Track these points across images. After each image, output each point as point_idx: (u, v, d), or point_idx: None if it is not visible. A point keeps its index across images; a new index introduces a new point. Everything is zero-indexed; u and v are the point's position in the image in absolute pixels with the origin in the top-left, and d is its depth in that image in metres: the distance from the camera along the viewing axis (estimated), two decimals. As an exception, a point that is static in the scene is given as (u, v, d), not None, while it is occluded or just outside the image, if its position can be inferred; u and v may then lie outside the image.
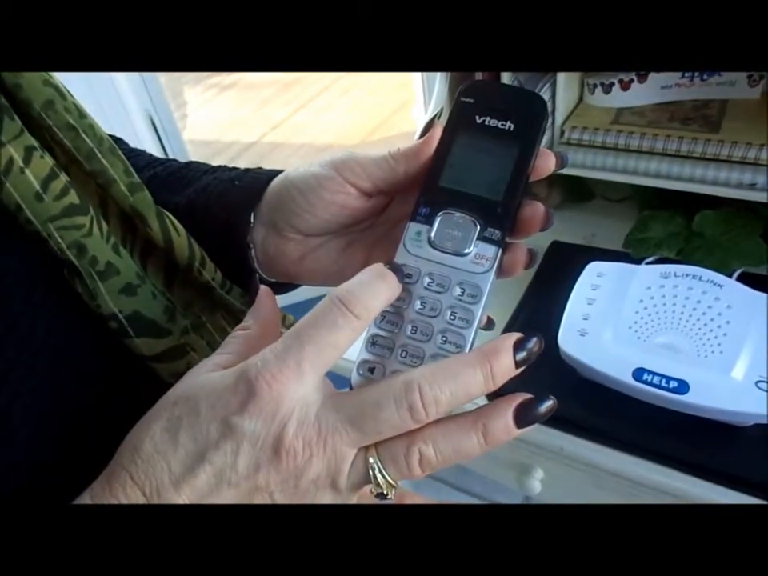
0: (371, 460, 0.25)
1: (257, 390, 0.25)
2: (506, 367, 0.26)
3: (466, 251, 0.31)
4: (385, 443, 0.26)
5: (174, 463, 0.25)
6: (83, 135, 0.32)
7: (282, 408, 0.25)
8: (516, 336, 0.27)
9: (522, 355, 0.26)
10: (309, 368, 0.25)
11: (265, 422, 0.25)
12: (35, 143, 0.30)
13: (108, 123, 1.24)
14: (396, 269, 0.29)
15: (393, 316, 0.31)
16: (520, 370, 0.27)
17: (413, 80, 1.30)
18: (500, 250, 0.31)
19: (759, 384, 0.54)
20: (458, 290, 0.30)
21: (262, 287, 0.32)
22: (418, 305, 0.30)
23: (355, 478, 0.26)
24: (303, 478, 0.25)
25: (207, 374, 0.27)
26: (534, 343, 0.27)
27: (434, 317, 0.30)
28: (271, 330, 0.31)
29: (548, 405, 0.27)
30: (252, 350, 0.27)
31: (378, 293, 0.28)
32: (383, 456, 0.25)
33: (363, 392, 0.26)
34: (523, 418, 0.26)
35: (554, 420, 0.63)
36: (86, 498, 0.26)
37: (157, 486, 0.25)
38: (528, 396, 0.27)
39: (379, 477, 0.25)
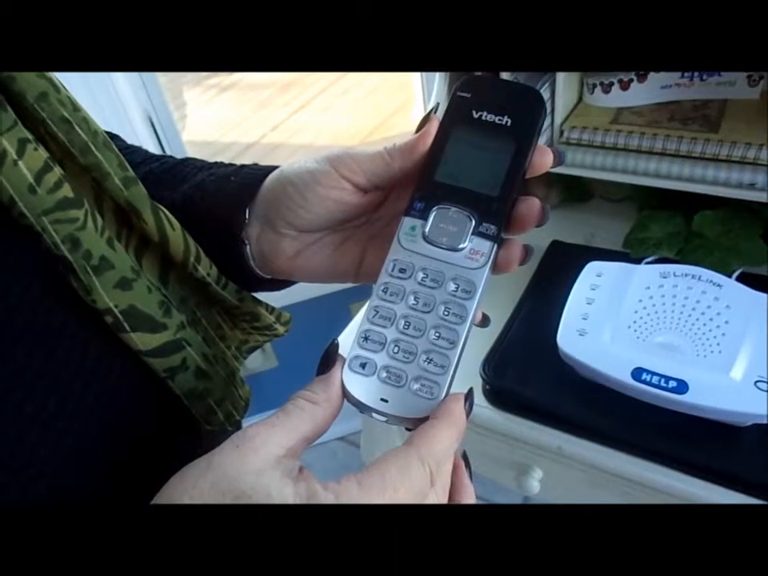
0: None
1: None
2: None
3: (461, 246, 0.30)
4: None
5: None
6: (77, 128, 0.32)
7: None
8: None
9: (467, 409, 0.30)
10: None
11: None
12: (29, 136, 0.30)
13: (107, 123, 1.24)
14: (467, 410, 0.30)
15: (386, 311, 0.30)
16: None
17: (412, 81, 1.30)
18: (495, 246, 0.30)
19: (758, 384, 0.54)
20: (452, 286, 0.30)
21: (341, 356, 0.30)
22: (411, 300, 0.30)
23: None
24: None
25: (270, 474, 0.25)
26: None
27: (428, 312, 0.30)
28: (337, 407, 0.29)
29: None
30: (316, 431, 0.28)
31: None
32: None
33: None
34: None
35: (553, 420, 0.63)
36: None
37: None
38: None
39: None
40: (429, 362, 0.29)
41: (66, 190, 0.31)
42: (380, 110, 2.42)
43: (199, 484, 0.25)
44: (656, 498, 0.60)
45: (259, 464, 0.25)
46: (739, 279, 0.65)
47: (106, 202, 0.35)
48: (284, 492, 0.25)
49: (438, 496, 0.27)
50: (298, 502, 0.24)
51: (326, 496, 0.25)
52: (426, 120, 0.33)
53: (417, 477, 0.26)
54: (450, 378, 0.29)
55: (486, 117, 0.32)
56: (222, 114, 2.59)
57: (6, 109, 0.29)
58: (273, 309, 0.45)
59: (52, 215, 0.30)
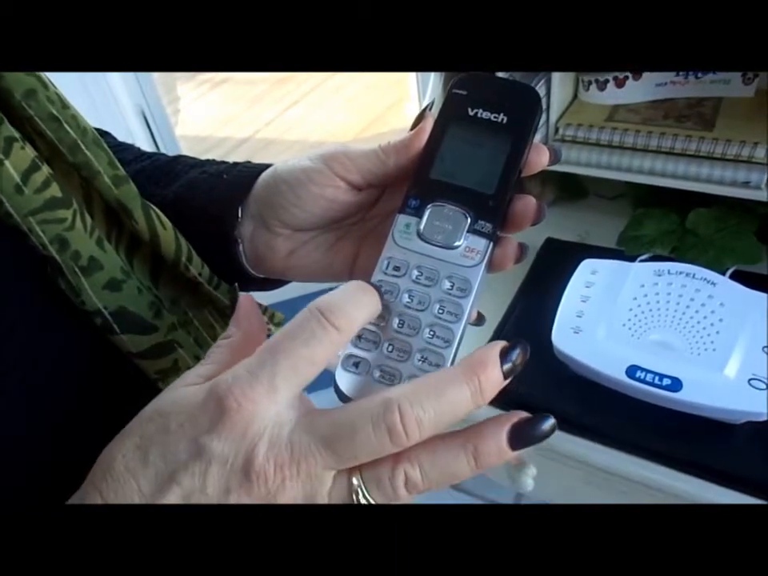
0: (354, 482, 0.24)
1: (226, 408, 0.23)
2: (494, 379, 0.24)
3: (456, 244, 0.30)
4: (369, 465, 0.24)
5: (143, 483, 0.23)
6: (66, 126, 0.32)
7: (252, 428, 0.23)
8: (501, 344, 0.25)
9: (508, 366, 0.25)
10: (282, 384, 0.24)
11: (234, 443, 0.23)
12: (16, 134, 0.29)
13: (100, 118, 1.23)
14: (377, 288, 0.28)
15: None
16: (508, 380, 0.25)
17: (407, 77, 1.30)
18: (491, 244, 0.30)
19: (752, 382, 0.54)
20: (447, 284, 0.30)
21: (242, 295, 0.30)
22: (405, 298, 0.30)
23: (337, 500, 0.24)
24: (277, 502, 0.23)
25: (183, 389, 0.25)
26: (518, 354, 0.25)
27: (422, 310, 0.30)
28: (255, 338, 0.29)
29: (548, 424, 0.25)
30: (236, 360, 0.26)
31: (361, 305, 0.27)
32: (367, 478, 0.24)
33: (340, 411, 0.24)
34: (519, 439, 0.24)
35: (547, 418, 0.63)
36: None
37: None
38: (524, 415, 0.25)
39: (362, 500, 0.24)
40: (423, 361, 0.29)
41: (54, 190, 0.30)
42: (374, 107, 2.41)
43: (130, 423, 0.25)
44: (650, 496, 0.60)
45: (173, 389, 0.26)
46: (733, 277, 0.65)
47: (96, 201, 0.34)
48: (185, 392, 0.25)
49: (330, 335, 0.25)
50: (200, 395, 0.24)
51: (224, 378, 0.24)
52: (421, 117, 0.33)
53: (303, 319, 0.25)
54: None
55: (481, 114, 0.32)
56: (216, 109, 2.59)
57: None
58: (266, 309, 0.45)
59: (39, 215, 0.29)
